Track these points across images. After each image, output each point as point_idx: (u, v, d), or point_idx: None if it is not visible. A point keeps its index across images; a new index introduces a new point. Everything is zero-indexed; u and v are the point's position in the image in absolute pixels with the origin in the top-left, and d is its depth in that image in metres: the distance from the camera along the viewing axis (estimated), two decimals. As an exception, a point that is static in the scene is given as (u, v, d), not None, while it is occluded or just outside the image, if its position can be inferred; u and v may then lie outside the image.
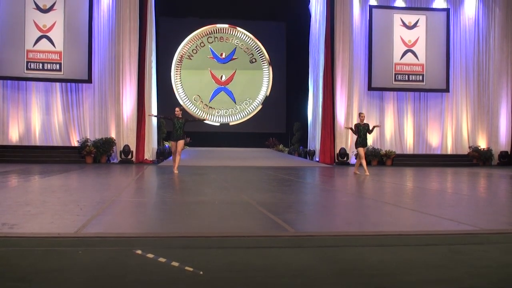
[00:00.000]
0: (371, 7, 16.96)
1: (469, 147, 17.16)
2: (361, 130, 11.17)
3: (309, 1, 17.85)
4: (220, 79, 23.39)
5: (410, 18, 17.15)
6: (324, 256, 3.14)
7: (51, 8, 15.42)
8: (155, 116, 15.64)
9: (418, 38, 17.13)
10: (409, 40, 17.09)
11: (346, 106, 16.42)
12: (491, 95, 17.27)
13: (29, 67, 15.28)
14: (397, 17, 17.12)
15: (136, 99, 15.53)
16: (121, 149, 15.30)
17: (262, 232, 3.93)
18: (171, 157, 13.78)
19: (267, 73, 23.69)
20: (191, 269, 2.69)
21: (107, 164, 14.59)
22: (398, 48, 17.06)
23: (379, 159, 16.29)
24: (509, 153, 17.08)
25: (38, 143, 15.62)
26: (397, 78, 17.06)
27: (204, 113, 23.19)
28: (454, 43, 17.44)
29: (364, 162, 11.10)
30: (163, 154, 17.23)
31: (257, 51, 23.63)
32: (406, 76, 17.10)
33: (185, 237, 3.64)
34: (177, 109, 11.15)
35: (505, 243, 3.68)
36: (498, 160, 17.04)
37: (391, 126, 17.30)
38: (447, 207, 5.76)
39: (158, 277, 2.59)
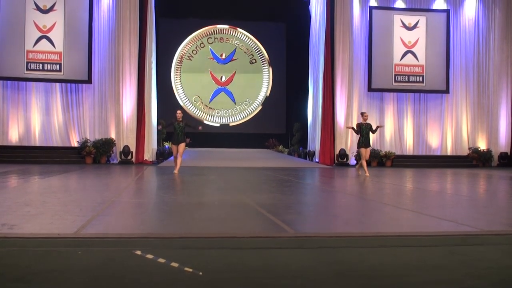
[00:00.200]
0: (371, 8, 16.96)
1: (469, 148, 17.14)
2: (363, 130, 11.09)
3: (309, 2, 17.85)
4: (220, 79, 23.37)
5: (410, 19, 17.15)
6: (323, 257, 3.14)
7: (51, 9, 15.41)
8: (165, 128, 13.81)
9: (418, 39, 17.13)
10: (409, 41, 17.09)
11: (346, 107, 16.41)
12: (491, 96, 17.26)
13: (29, 68, 15.27)
14: (397, 18, 17.12)
15: (136, 99, 15.52)
16: (121, 149, 15.28)
17: (261, 233, 3.92)
18: (171, 158, 13.73)
19: (267, 74, 23.67)
20: (190, 269, 2.69)
21: (106, 165, 14.58)
22: (398, 49, 17.06)
23: (379, 160, 16.28)
24: (509, 154, 17.06)
25: (38, 144, 15.61)
26: (397, 79, 17.06)
27: (204, 113, 23.18)
28: (454, 44, 17.43)
29: (364, 163, 11.08)
30: (162, 154, 17.21)
31: (257, 52, 23.61)
32: (406, 77, 17.10)
33: (185, 237, 3.64)
34: (178, 111, 11.10)
35: (505, 244, 3.67)
36: (498, 161, 17.02)
37: (391, 127, 17.29)
38: (447, 208, 5.76)
39: (157, 277, 2.59)
